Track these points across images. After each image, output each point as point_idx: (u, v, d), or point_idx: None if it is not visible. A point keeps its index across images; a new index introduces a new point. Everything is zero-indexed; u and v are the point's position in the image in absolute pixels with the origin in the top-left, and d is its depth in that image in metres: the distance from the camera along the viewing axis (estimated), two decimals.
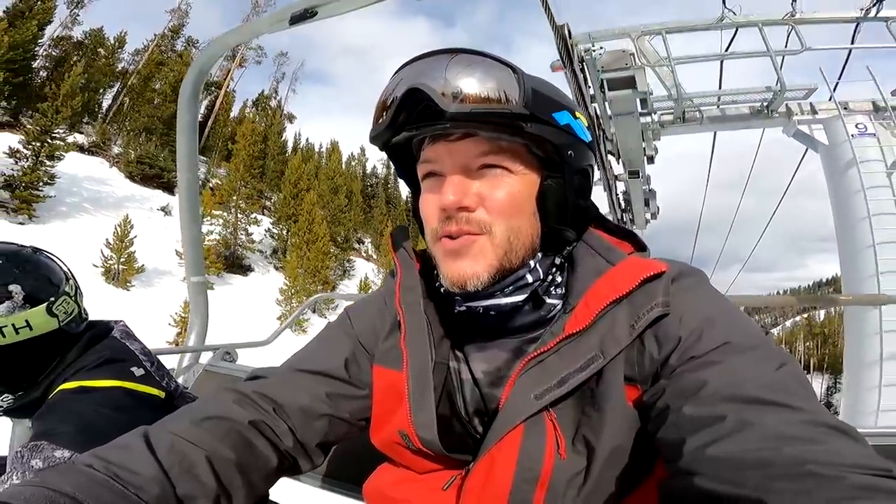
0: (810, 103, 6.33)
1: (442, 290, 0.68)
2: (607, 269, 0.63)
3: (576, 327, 0.59)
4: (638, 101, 5.61)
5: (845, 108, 6.09)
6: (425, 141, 0.65)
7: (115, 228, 21.87)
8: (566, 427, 0.57)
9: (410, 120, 0.61)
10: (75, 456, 0.58)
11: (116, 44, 39.35)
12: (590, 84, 5.27)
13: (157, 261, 23.67)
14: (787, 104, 6.33)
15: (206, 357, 1.95)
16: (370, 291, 0.84)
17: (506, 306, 0.64)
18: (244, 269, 30.00)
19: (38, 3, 33.96)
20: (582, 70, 4.92)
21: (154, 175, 32.24)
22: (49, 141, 23.35)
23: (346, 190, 40.81)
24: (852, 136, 5.89)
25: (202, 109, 43.51)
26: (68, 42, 38.87)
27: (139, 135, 34.80)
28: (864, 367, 5.51)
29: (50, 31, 35.33)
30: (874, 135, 5.86)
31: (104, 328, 1.08)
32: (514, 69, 0.59)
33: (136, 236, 22.18)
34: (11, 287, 0.92)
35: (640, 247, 0.70)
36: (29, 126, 24.22)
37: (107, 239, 21.57)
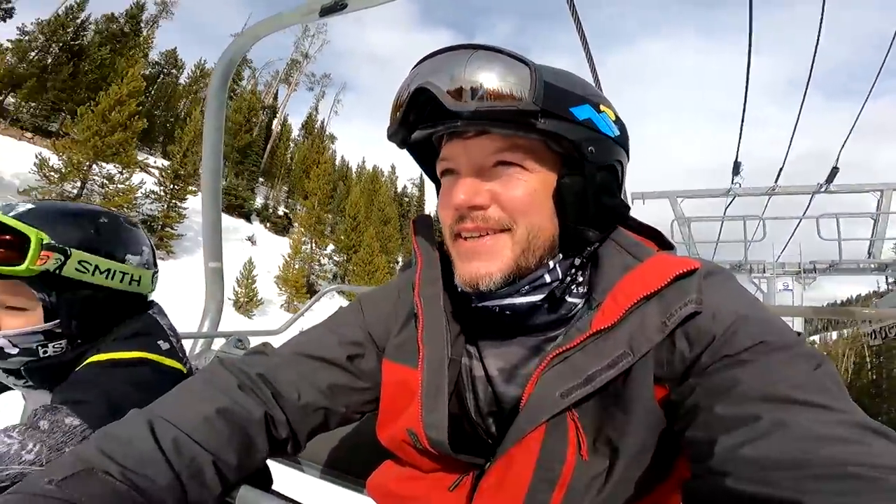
0: (763, 263, 9.78)
1: (459, 289, 0.67)
2: (635, 266, 0.62)
3: (603, 324, 0.57)
4: None
5: (782, 269, 9.47)
6: (444, 137, 0.65)
7: (243, 266, 26.00)
8: (588, 427, 0.57)
9: (423, 118, 0.61)
10: (88, 450, 0.53)
11: (198, 71, 42.61)
12: None
13: (262, 290, 27.74)
14: (750, 264, 9.77)
15: (218, 343, 1.95)
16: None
17: (521, 306, 0.63)
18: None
19: (127, 24, 37.32)
20: None
21: (237, 205, 36.13)
22: (180, 185, 27.29)
23: (395, 222, 45.25)
24: (779, 290, 9.19)
25: (245, 127, 46.96)
26: (144, 63, 42.01)
27: None
28: None
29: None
30: (791, 290, 9.18)
31: (144, 304, 1.12)
32: (526, 63, 0.57)
33: (257, 275, 26.39)
34: (144, 247, 1.06)
35: (666, 245, 0.70)
36: (163, 169, 28.06)
37: (236, 278, 25.71)
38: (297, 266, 32.49)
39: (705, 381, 0.52)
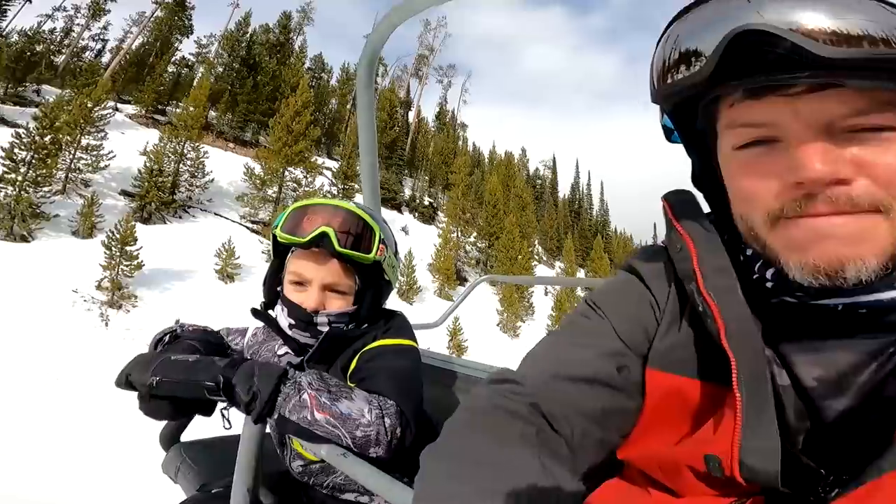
0: None
1: (768, 283, 0.55)
2: None
3: None
4: None
5: None
6: (738, 95, 0.50)
7: (404, 256, 28.50)
8: None
9: (728, 68, 0.46)
10: None
11: (345, 75, 46.70)
12: None
13: (419, 279, 30.08)
14: None
15: None
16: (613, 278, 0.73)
17: (890, 302, 0.49)
18: (462, 281, 36.07)
19: (281, 34, 41.75)
20: None
21: (390, 198, 39.26)
22: (348, 184, 30.54)
23: (531, 206, 45.43)
24: None
25: (382, 124, 49.94)
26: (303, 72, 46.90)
27: None
28: None
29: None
30: None
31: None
32: None
33: (416, 264, 28.69)
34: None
35: None
36: (334, 171, 31.66)
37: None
38: (445, 254, 34.53)
39: None
